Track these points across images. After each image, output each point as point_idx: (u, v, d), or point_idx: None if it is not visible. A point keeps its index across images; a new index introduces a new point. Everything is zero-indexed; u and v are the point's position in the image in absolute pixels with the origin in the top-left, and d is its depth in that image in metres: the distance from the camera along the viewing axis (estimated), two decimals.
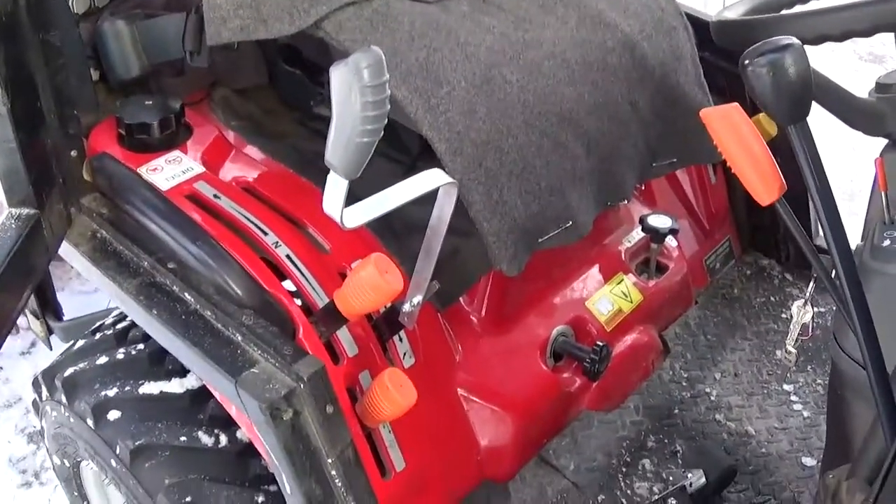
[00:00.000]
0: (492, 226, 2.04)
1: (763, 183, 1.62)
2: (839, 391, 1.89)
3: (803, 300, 2.43)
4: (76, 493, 2.76)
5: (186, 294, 1.96)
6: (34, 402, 2.57)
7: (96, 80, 2.43)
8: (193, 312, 1.94)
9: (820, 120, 2.05)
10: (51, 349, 2.83)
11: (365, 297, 1.80)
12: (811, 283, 2.50)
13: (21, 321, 3.43)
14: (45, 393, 2.46)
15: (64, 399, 2.34)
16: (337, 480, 1.85)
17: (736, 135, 1.62)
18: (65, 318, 2.76)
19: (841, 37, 2.01)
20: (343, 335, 2.00)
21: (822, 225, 1.62)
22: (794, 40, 1.57)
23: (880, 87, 2.07)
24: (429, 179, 1.76)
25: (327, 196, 1.60)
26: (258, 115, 2.59)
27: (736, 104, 1.65)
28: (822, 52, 1.82)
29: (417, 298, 1.97)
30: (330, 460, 1.83)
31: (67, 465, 2.65)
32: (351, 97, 1.45)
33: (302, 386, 1.76)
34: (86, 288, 4.01)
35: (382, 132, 1.50)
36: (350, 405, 1.96)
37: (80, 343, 2.51)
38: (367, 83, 1.43)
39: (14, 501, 3.38)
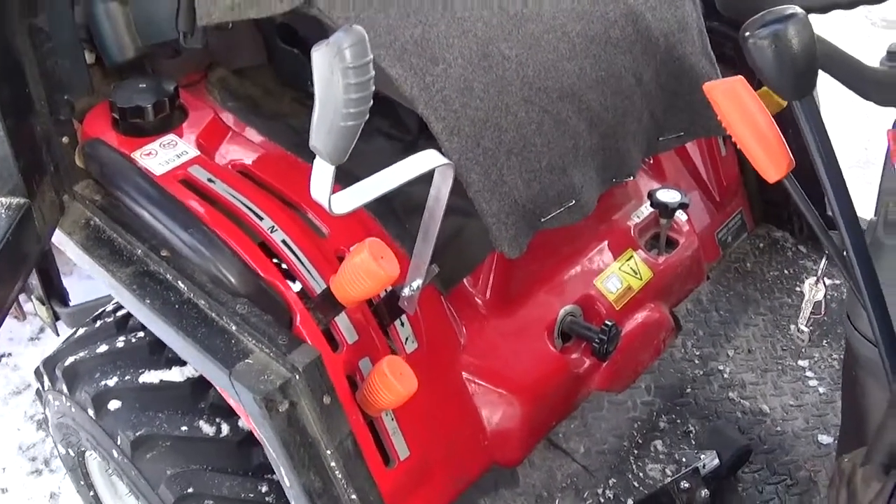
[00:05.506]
0: (491, 207, 1.99)
1: (770, 159, 1.57)
2: (853, 371, 1.85)
3: (815, 278, 2.37)
4: (83, 482, 2.75)
5: (180, 283, 1.92)
6: (38, 391, 2.54)
7: (92, 63, 2.38)
8: (187, 301, 1.90)
9: (832, 86, 1.99)
10: (58, 335, 2.81)
11: (360, 283, 1.75)
12: (823, 260, 2.44)
13: (27, 307, 3.42)
14: (46, 382, 2.44)
15: (65, 389, 2.32)
16: (336, 472, 1.82)
17: (740, 110, 1.57)
18: (71, 304, 2.73)
19: (850, 4, 1.95)
20: (342, 321, 1.96)
21: (830, 202, 1.57)
22: (798, 9, 1.50)
23: (892, 55, 2.00)
24: (423, 161, 1.71)
25: (314, 182, 1.55)
26: (256, 96, 2.54)
27: (740, 77, 1.59)
28: (832, 18, 1.76)
29: (417, 283, 1.93)
30: (329, 451, 1.79)
31: (72, 454, 2.63)
32: (333, 79, 1.39)
33: (297, 376, 1.72)
34: None
35: (368, 115, 1.45)
36: (350, 394, 1.92)
37: (81, 331, 2.48)
38: (349, 64, 1.37)
39: (24, 489, 3.36)
